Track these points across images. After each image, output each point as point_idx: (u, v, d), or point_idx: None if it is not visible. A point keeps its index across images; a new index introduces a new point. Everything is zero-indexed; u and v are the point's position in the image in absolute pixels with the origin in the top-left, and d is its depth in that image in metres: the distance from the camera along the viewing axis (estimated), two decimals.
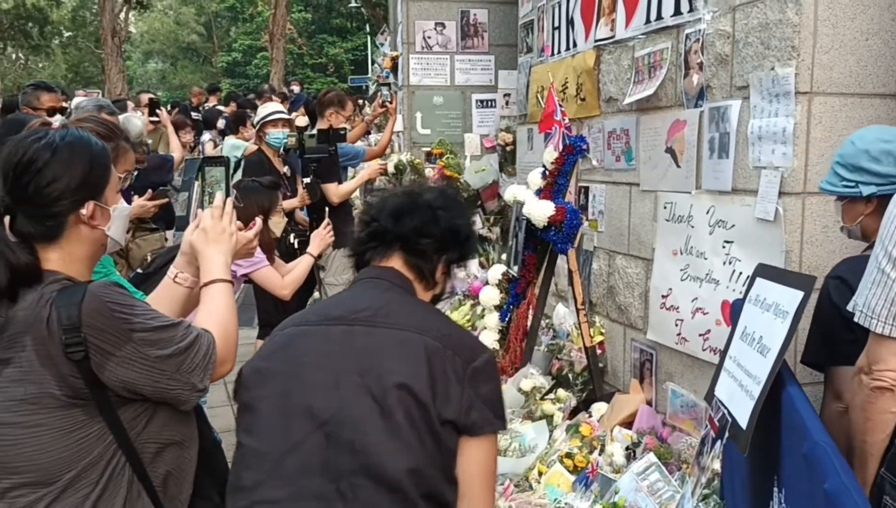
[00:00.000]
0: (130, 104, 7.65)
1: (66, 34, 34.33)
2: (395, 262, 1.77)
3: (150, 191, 4.22)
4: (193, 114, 9.87)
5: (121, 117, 4.41)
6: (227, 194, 1.95)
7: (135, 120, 5.32)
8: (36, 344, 1.59)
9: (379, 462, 1.52)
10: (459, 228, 1.80)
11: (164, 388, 1.64)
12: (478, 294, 4.61)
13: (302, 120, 6.89)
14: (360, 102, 10.86)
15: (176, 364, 1.64)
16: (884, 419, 1.63)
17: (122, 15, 27.18)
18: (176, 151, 6.57)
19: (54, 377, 1.59)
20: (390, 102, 6.76)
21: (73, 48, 34.80)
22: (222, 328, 1.76)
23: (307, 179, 4.87)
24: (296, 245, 4.92)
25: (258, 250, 3.50)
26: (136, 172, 2.89)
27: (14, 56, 32.97)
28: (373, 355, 1.61)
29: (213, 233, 1.87)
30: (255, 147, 5.48)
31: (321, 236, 3.81)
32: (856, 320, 1.65)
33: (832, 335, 1.97)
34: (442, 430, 1.55)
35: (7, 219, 1.69)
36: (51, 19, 30.18)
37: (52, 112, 4.42)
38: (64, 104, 4.77)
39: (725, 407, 2.01)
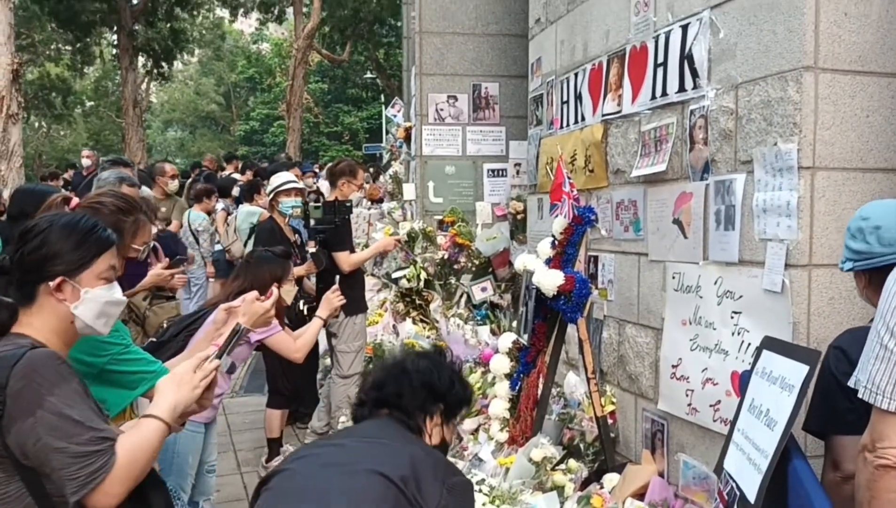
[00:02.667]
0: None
1: (89, 104, 35.21)
2: (383, 416, 2.09)
3: (167, 260, 4.31)
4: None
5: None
6: (221, 355, 1.97)
7: (145, 190, 5.47)
8: None
9: None
10: (433, 384, 2.10)
11: (49, 475, 1.65)
12: (488, 361, 4.62)
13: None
14: (373, 170, 11.05)
15: (59, 462, 1.63)
16: (889, 498, 1.58)
17: (144, 86, 27.95)
18: None
19: None
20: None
21: (95, 117, 35.65)
22: (131, 462, 1.71)
23: (313, 249, 4.96)
24: (305, 312, 4.97)
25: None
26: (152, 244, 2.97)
27: (37, 125, 33.79)
28: (366, 452, 1.91)
29: (180, 378, 1.88)
30: (269, 215, 5.60)
31: (329, 300, 3.86)
32: (860, 396, 1.62)
33: (832, 404, 1.97)
34: None
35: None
36: (74, 89, 31.01)
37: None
38: None
39: (734, 480, 2.00)
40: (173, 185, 7.72)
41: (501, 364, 4.11)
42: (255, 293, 2.84)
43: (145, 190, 5.50)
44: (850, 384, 1.66)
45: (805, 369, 1.80)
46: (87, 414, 1.68)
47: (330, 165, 6.30)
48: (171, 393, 1.84)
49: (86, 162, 11.43)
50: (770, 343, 2.10)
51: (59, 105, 29.24)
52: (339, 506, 1.75)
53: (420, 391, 2.09)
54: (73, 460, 1.63)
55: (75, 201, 2.71)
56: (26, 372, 1.65)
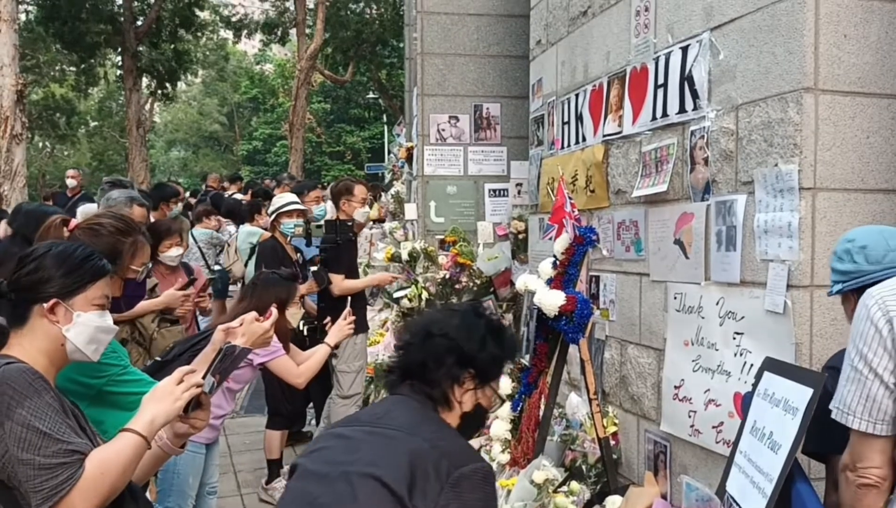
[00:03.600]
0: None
1: (93, 124, 35.41)
2: (408, 386, 1.99)
3: (180, 280, 4.31)
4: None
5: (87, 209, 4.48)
6: (206, 375, 1.95)
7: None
8: None
9: None
10: (461, 349, 1.94)
11: (18, 487, 1.65)
12: None
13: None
14: (377, 192, 11.08)
15: (25, 474, 1.64)
16: None
17: (148, 106, 28.10)
18: None
19: None
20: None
21: (99, 137, 35.82)
22: (101, 475, 1.71)
23: (314, 268, 4.95)
24: (304, 332, 4.96)
25: (275, 338, 3.54)
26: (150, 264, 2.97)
27: (41, 145, 33.98)
28: (362, 449, 1.82)
29: (161, 392, 1.88)
30: (269, 234, 5.60)
31: (341, 328, 3.84)
32: (833, 416, 1.70)
33: (829, 424, 1.97)
34: None
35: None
36: (78, 110, 31.21)
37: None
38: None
39: (737, 504, 1.99)
40: (176, 208, 7.74)
41: (503, 385, 4.09)
42: (254, 314, 2.83)
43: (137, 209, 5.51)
44: (830, 405, 1.74)
45: (809, 392, 1.79)
46: (58, 427, 1.69)
47: (331, 186, 6.31)
48: (150, 407, 1.85)
49: (71, 183, 10.78)
50: (771, 365, 2.09)
51: (63, 125, 29.41)
52: None
53: (446, 357, 1.94)
54: (38, 472, 1.64)
55: (74, 222, 2.72)
56: None
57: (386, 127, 29.78)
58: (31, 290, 1.87)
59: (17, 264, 1.93)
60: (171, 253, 4.59)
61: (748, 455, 2.00)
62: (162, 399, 1.86)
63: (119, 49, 22.83)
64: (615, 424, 3.87)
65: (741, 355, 2.89)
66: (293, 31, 25.14)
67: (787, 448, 1.79)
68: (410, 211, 7.45)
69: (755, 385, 2.13)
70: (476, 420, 2.02)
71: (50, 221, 2.77)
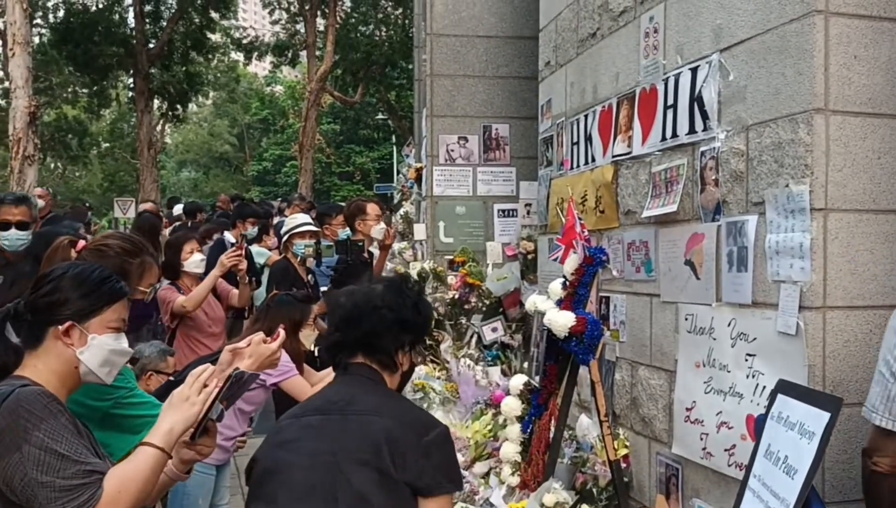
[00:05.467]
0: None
1: (104, 145, 35.74)
2: (360, 359, 2.19)
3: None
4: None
5: None
6: (213, 402, 1.92)
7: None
8: None
9: None
10: (403, 317, 2.19)
11: None
12: (499, 403, 4.57)
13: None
14: (388, 211, 11.09)
15: (45, 497, 1.63)
16: (881, 494, 1.93)
17: (159, 127, 28.35)
18: None
19: None
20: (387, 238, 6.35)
21: (110, 158, 36.15)
22: (120, 493, 1.70)
23: (324, 288, 4.96)
24: (316, 353, 4.95)
25: (288, 359, 3.54)
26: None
27: (53, 166, 34.27)
28: (343, 438, 2.01)
29: (177, 399, 1.88)
30: (280, 256, 5.62)
31: None
32: (862, 413, 1.97)
33: None
34: (401, 489, 1.95)
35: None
36: (90, 131, 31.51)
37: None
38: None
39: None
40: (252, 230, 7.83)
41: (513, 407, 4.07)
42: (261, 335, 2.82)
43: None
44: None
45: (826, 416, 1.78)
46: (75, 448, 1.68)
47: (343, 209, 6.31)
48: (168, 416, 1.84)
49: (38, 203, 9.91)
50: (785, 387, 2.07)
51: (76, 147, 29.69)
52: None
53: (393, 326, 2.17)
54: (58, 494, 1.63)
55: (81, 243, 2.72)
56: (13, 408, 1.67)
57: (395, 147, 29.95)
58: (47, 312, 1.87)
59: (34, 284, 1.93)
60: (195, 259, 4.62)
61: (762, 479, 1.97)
62: (178, 406, 1.85)
63: (131, 71, 23.10)
64: (626, 446, 3.84)
65: (753, 376, 2.86)
66: (303, 54, 25.42)
67: (803, 472, 1.77)
68: (419, 231, 7.45)
69: (768, 408, 2.10)
70: (408, 377, 2.34)
71: (57, 242, 2.77)
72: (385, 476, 1.94)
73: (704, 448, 3.14)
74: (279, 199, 17.92)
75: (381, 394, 2.14)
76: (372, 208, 5.44)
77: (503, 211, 6.98)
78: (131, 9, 22.52)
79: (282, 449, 2.07)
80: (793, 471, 1.81)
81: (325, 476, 1.96)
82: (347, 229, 5.78)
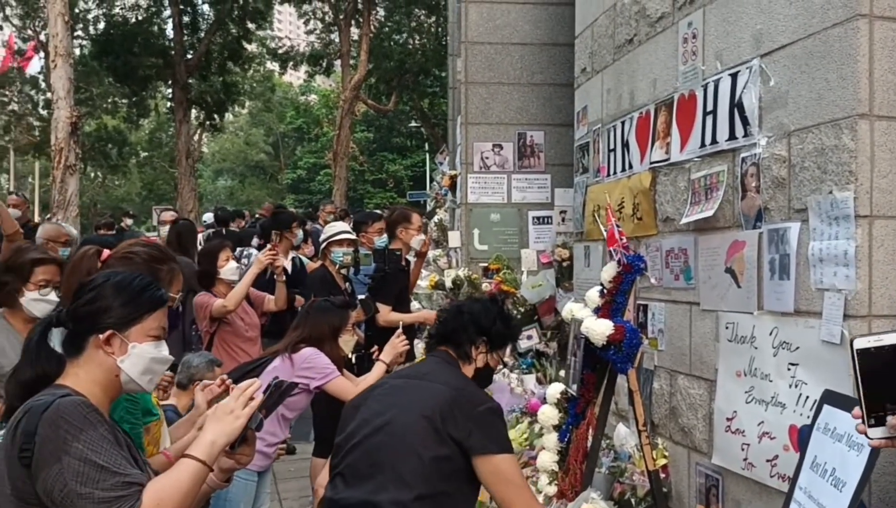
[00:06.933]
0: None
1: (143, 154, 36.36)
2: (444, 348, 2.83)
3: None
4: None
5: None
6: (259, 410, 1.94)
7: None
8: (5, 444, 1.71)
9: (405, 457, 2.47)
10: (479, 321, 2.81)
11: None
12: (535, 411, 4.55)
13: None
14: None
15: None
16: None
17: (196, 137, 28.78)
18: None
19: (8, 477, 1.68)
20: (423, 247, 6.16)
21: (149, 167, 36.76)
22: (157, 505, 1.70)
23: (362, 296, 4.98)
24: (353, 360, 4.98)
25: (329, 361, 3.56)
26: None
27: (93, 175, 34.95)
28: (415, 395, 2.61)
29: (221, 412, 1.88)
30: (318, 263, 5.66)
31: (395, 345, 3.86)
32: None
33: None
34: (450, 443, 2.46)
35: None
36: (129, 141, 32.09)
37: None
38: None
39: None
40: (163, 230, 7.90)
41: (549, 416, 4.04)
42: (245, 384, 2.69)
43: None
44: None
45: None
46: (115, 459, 1.68)
47: (386, 214, 6.33)
48: (211, 428, 1.84)
49: (14, 212, 7.19)
50: (832, 398, 2.03)
51: (115, 156, 30.27)
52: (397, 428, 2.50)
53: (469, 326, 2.78)
54: (97, 505, 1.63)
55: (106, 252, 2.73)
56: (53, 419, 1.68)
57: (428, 155, 30.03)
58: (88, 320, 1.87)
59: (75, 293, 1.94)
60: (230, 266, 4.69)
61: (809, 492, 1.94)
62: (222, 419, 1.85)
63: (170, 82, 23.49)
64: (665, 456, 3.80)
65: (796, 386, 2.82)
66: (338, 63, 25.65)
67: (852, 485, 1.73)
68: (454, 239, 7.47)
69: (814, 419, 2.07)
70: (485, 374, 2.87)
71: (83, 251, 2.79)
72: (436, 430, 2.45)
73: (746, 459, 3.09)
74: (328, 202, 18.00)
75: (452, 373, 2.71)
76: (416, 218, 5.45)
77: (538, 218, 6.97)
78: (170, 20, 22.93)
79: (369, 397, 2.70)
80: (841, 483, 1.78)
81: (390, 413, 2.54)
82: (384, 236, 5.81)
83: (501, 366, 3.29)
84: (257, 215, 13.11)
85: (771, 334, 2.96)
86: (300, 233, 7.24)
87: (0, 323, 3.19)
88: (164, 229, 7.82)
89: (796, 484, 2.04)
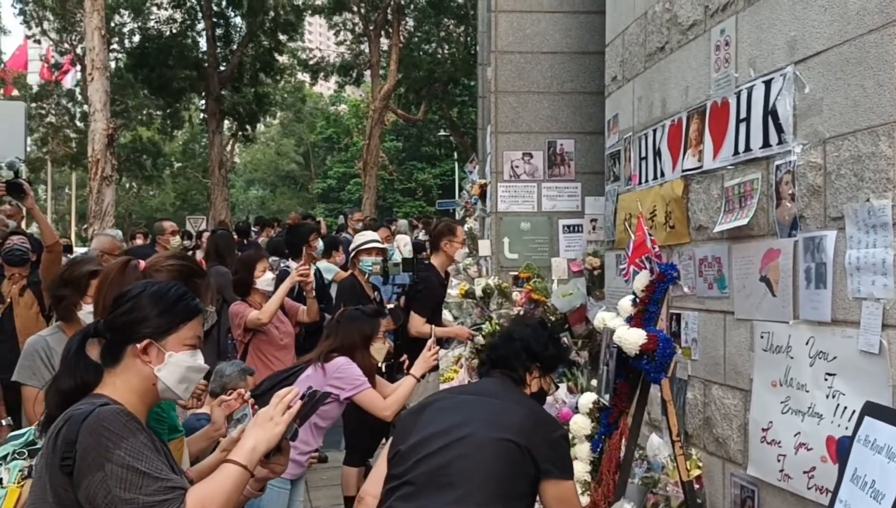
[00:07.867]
0: None
1: (177, 165, 36.91)
2: (497, 373, 2.81)
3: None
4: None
5: None
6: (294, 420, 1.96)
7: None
8: (46, 453, 1.74)
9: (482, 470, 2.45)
10: (531, 347, 2.81)
11: None
12: (566, 421, 4.53)
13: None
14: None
15: None
16: None
17: (229, 147, 29.15)
18: None
19: (50, 486, 1.70)
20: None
21: (183, 178, 37.32)
22: (203, 505, 1.73)
23: (391, 305, 5.01)
24: (382, 369, 5.00)
25: (360, 372, 3.58)
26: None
27: (128, 185, 35.55)
28: (489, 411, 2.59)
29: (262, 418, 1.90)
30: (348, 272, 5.70)
31: (426, 359, 3.87)
32: None
33: None
34: (530, 463, 2.47)
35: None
36: (163, 152, 32.61)
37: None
38: None
39: None
40: (175, 241, 7.98)
41: (582, 425, 4.02)
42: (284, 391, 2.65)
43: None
44: None
45: None
46: (156, 465, 1.71)
47: (431, 226, 6.39)
48: (252, 434, 1.87)
49: (11, 224, 6.51)
50: (873, 409, 2.00)
51: (150, 167, 30.77)
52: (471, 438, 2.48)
53: (521, 352, 2.78)
54: None
55: (142, 263, 2.75)
56: (94, 427, 1.71)
57: (457, 164, 30.06)
58: (126, 330, 1.90)
59: (112, 303, 1.98)
60: (267, 277, 4.75)
61: (849, 505, 1.91)
62: (263, 426, 1.88)
63: (203, 93, 23.86)
64: (699, 467, 3.75)
65: (833, 397, 2.77)
66: (367, 73, 25.85)
67: (891, 497, 1.70)
68: (484, 247, 7.47)
69: (855, 430, 2.04)
70: (539, 397, 2.86)
71: (121, 262, 2.81)
72: (519, 448, 2.45)
73: (782, 470, 3.05)
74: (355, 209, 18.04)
75: (520, 394, 2.74)
76: (460, 231, 5.48)
77: (568, 227, 6.94)
78: (204, 33, 23.30)
79: (433, 407, 2.66)
80: (880, 496, 1.75)
81: (470, 427, 2.51)
82: (392, 244, 5.82)
83: (554, 389, 3.23)
84: (286, 224, 13.23)
85: (807, 343, 2.92)
86: (320, 244, 7.32)
87: (57, 336, 3.21)
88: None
89: (837, 497, 2.01)
